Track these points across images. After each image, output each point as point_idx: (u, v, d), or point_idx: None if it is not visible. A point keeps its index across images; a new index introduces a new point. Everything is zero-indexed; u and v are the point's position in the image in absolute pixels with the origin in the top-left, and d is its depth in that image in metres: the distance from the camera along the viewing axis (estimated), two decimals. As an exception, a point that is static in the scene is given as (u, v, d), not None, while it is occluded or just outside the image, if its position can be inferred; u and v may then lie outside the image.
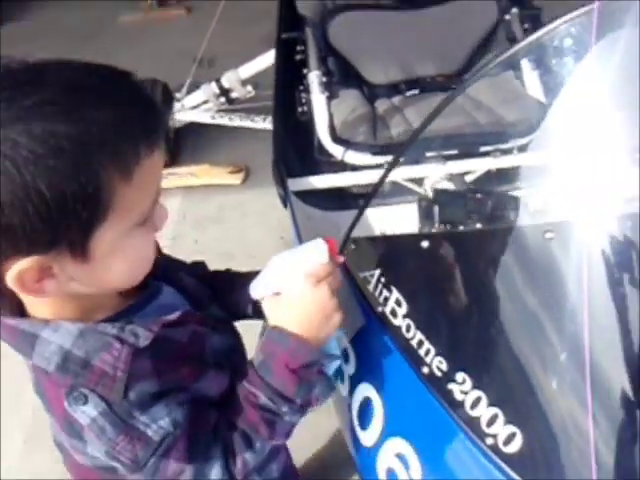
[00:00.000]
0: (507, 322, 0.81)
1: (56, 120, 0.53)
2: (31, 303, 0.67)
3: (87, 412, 0.65)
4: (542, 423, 0.76)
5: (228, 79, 2.71)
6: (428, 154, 1.75)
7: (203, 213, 2.65)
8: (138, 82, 0.62)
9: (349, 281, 1.03)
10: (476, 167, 1.77)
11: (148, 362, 0.67)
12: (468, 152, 1.74)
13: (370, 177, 1.74)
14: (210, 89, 2.74)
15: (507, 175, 1.83)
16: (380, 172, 1.75)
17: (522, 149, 1.80)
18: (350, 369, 1.04)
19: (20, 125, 0.52)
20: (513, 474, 0.77)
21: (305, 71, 1.84)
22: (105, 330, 0.66)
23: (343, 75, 1.89)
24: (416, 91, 1.94)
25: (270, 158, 2.83)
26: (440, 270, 0.88)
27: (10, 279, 0.57)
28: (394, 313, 0.93)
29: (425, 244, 0.86)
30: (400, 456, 0.90)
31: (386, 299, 0.94)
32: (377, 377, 0.96)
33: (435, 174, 1.71)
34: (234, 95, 2.75)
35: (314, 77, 1.80)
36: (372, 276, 0.98)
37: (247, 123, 2.63)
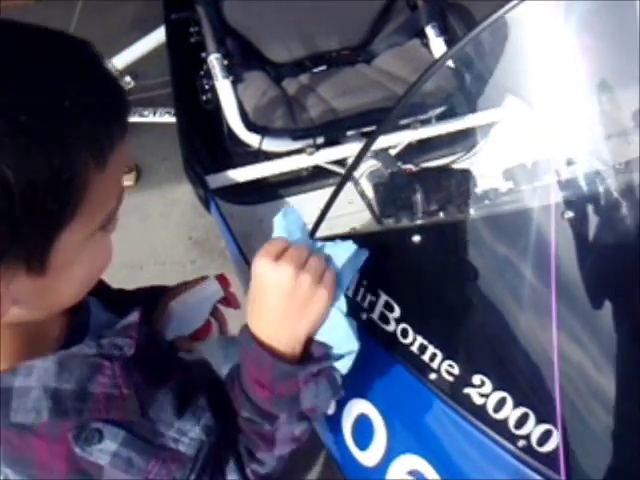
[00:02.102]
0: (521, 312, 0.74)
1: (22, 92, 0.44)
2: None
3: (105, 449, 0.54)
4: (577, 418, 0.70)
5: (102, 71, 2.43)
6: (349, 133, 1.66)
7: (97, 222, 2.39)
8: (99, 54, 0.52)
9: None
10: (398, 140, 1.70)
11: (138, 374, 0.57)
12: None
13: (294, 163, 1.62)
14: (82, 84, 2.45)
15: (427, 145, 1.80)
16: (303, 157, 1.66)
17: (439, 118, 1.76)
18: (335, 384, 0.93)
19: None
20: (553, 474, 0.71)
21: (203, 55, 1.66)
22: (83, 352, 0.55)
23: (244, 56, 1.73)
24: (323, 67, 1.83)
25: (162, 153, 2.63)
26: (434, 264, 0.79)
27: None
28: (384, 319, 0.83)
29: (416, 238, 0.77)
30: (415, 473, 0.82)
31: (372, 304, 0.84)
32: (373, 391, 0.86)
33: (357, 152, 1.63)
34: (111, 88, 2.48)
35: (214, 60, 1.63)
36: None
37: (134, 118, 2.38)
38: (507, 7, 0.71)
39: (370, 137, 0.88)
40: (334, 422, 0.93)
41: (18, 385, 0.52)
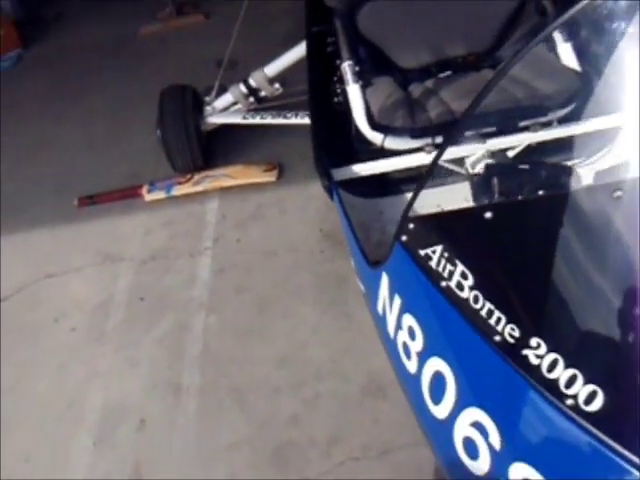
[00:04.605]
0: (577, 284, 0.82)
1: None
2: None
3: None
4: (623, 380, 0.77)
5: (255, 79, 2.74)
6: (467, 133, 1.76)
7: (242, 213, 2.69)
8: None
9: (410, 260, 1.05)
10: (516, 142, 1.76)
11: None
12: (507, 128, 1.74)
13: (413, 160, 1.75)
14: (238, 90, 2.78)
15: (548, 148, 1.83)
16: (421, 155, 1.79)
17: (562, 121, 1.79)
18: (417, 346, 1.06)
19: None
20: (597, 432, 0.78)
21: (338, 62, 1.86)
22: None
23: (375, 63, 1.90)
24: (448, 72, 1.94)
25: (302, 153, 2.88)
26: (505, 239, 0.89)
27: None
28: (460, 286, 0.95)
29: (488, 215, 0.88)
30: (477, 425, 0.92)
31: (451, 273, 0.96)
32: (447, 350, 0.98)
33: (476, 152, 1.72)
34: (262, 94, 2.79)
35: (347, 67, 1.82)
36: (434, 252, 1.00)
37: (279, 120, 2.66)
38: (556, 23, 0.80)
39: (441, 146, 1.00)
40: (415, 379, 1.06)
41: None
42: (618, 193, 0.76)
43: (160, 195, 2.80)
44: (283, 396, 1.93)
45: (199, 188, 2.79)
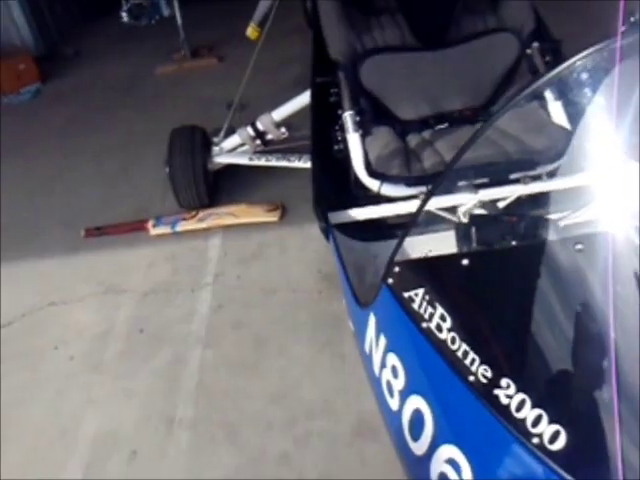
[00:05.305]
0: (544, 329, 0.88)
1: None
2: None
3: None
4: (584, 421, 0.82)
5: (262, 122, 2.86)
6: (460, 183, 1.84)
7: (244, 250, 2.77)
8: None
9: (395, 301, 1.11)
10: (507, 194, 1.84)
11: None
12: (499, 180, 1.82)
13: (407, 207, 1.83)
14: (246, 132, 2.90)
15: (538, 200, 1.90)
16: (415, 202, 1.87)
17: (550, 175, 1.87)
18: (399, 384, 1.12)
19: None
20: (559, 470, 0.83)
21: (340, 112, 1.96)
22: None
23: (375, 113, 2.01)
24: (445, 125, 2.04)
25: (305, 195, 2.96)
26: (480, 285, 0.96)
27: None
28: (439, 328, 1.01)
29: (465, 262, 0.95)
30: (451, 461, 0.97)
31: (431, 315, 1.02)
32: (426, 389, 1.03)
33: (468, 202, 1.79)
34: (269, 137, 2.90)
35: (348, 117, 1.92)
36: (417, 295, 1.06)
37: (284, 163, 2.76)
38: (541, 80, 0.88)
39: (426, 196, 1.07)
40: (396, 416, 1.10)
41: None
42: (579, 246, 0.82)
43: (165, 230, 2.88)
44: (275, 432, 1.96)
45: (203, 225, 2.88)
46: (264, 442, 1.94)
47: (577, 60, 0.99)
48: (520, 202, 1.90)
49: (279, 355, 2.24)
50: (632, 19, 1.05)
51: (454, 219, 1.87)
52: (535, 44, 2.04)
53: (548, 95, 1.96)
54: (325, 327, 2.33)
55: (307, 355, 2.22)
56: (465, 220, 1.59)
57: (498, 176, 1.81)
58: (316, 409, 2.03)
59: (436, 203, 1.87)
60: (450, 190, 1.89)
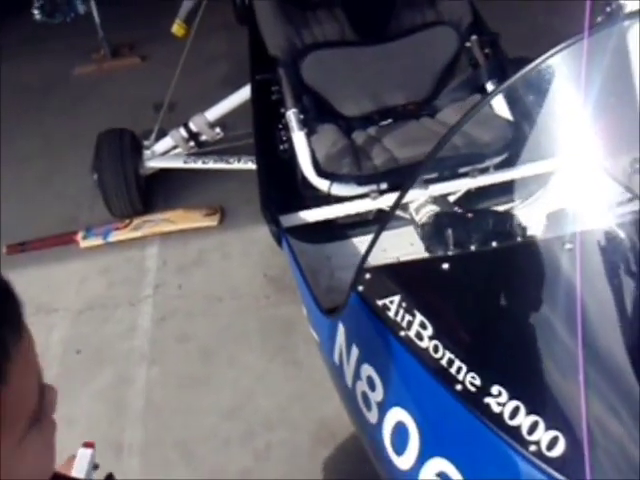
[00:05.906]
0: (534, 331, 0.85)
1: None
2: None
3: None
4: (582, 424, 0.79)
5: (196, 123, 2.73)
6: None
7: (184, 258, 2.64)
8: None
9: (368, 310, 1.05)
10: (457, 188, 1.83)
11: None
12: (448, 174, 1.81)
13: (360, 206, 1.78)
14: (178, 134, 2.76)
15: (486, 192, 1.91)
16: (368, 201, 1.82)
17: (497, 167, 1.88)
18: (377, 396, 1.06)
19: None
20: (561, 477, 0.80)
21: (282, 110, 1.88)
22: None
23: (318, 111, 1.95)
24: (389, 120, 2.01)
25: (244, 197, 2.88)
26: (462, 289, 0.92)
27: None
28: (420, 336, 0.96)
29: (445, 266, 0.90)
30: (442, 475, 0.92)
31: (410, 323, 0.97)
32: (409, 400, 0.98)
33: (419, 198, 1.77)
34: (203, 138, 2.77)
35: (292, 115, 1.85)
36: (392, 302, 1.01)
37: (221, 165, 2.65)
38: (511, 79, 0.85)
39: (402, 189, 1.03)
40: (376, 430, 1.05)
41: None
42: (569, 245, 0.80)
43: (97, 241, 2.70)
44: (233, 448, 1.87)
45: (138, 234, 2.72)
46: (222, 460, 1.85)
47: (549, 57, 0.96)
48: (469, 195, 1.90)
49: (229, 366, 2.14)
50: (608, 9, 1.03)
51: (406, 216, 1.84)
52: (473, 37, 2.04)
53: (490, 87, 1.97)
54: (276, 333, 2.25)
55: (259, 364, 2.14)
56: (427, 220, 1.56)
57: (448, 170, 1.80)
58: (274, 419, 1.95)
59: (387, 200, 1.84)
60: (400, 187, 1.86)
